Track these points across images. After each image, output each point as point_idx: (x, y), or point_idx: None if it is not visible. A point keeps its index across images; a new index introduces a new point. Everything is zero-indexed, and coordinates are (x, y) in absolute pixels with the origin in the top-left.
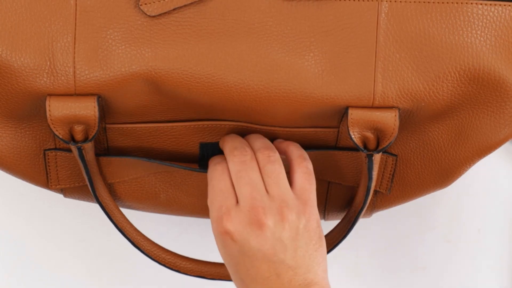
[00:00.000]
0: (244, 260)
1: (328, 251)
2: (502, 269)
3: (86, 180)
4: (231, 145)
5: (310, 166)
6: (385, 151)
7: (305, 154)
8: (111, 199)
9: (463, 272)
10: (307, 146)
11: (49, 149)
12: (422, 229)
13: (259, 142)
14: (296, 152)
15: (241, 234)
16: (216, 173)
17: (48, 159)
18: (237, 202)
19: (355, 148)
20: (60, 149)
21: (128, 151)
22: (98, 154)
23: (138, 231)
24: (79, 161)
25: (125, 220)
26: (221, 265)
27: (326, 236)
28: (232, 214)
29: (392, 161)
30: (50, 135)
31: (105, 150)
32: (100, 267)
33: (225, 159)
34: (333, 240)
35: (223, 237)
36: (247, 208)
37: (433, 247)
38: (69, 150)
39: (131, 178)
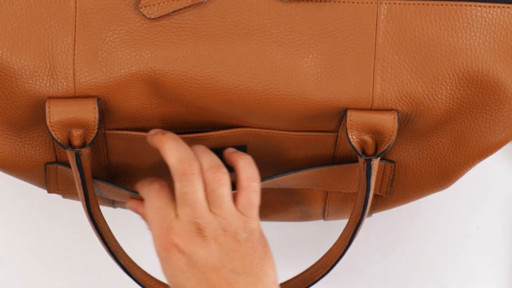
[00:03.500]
0: (194, 274)
1: (335, 263)
2: (501, 268)
3: (81, 192)
4: (176, 156)
5: (257, 186)
6: (383, 158)
7: (254, 173)
8: (104, 220)
9: (462, 270)
10: (307, 158)
11: (50, 163)
12: (421, 228)
13: (208, 158)
14: (244, 172)
15: (187, 245)
16: (153, 191)
17: (49, 171)
18: (177, 215)
19: (352, 160)
20: (61, 163)
21: (127, 162)
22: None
23: (130, 258)
24: (76, 169)
25: (118, 245)
26: None
27: (329, 250)
28: (175, 227)
29: (391, 167)
30: (51, 147)
31: (105, 163)
32: (99, 266)
33: (157, 180)
34: (337, 251)
35: (170, 251)
36: (188, 220)
37: (432, 245)
38: (70, 166)
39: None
